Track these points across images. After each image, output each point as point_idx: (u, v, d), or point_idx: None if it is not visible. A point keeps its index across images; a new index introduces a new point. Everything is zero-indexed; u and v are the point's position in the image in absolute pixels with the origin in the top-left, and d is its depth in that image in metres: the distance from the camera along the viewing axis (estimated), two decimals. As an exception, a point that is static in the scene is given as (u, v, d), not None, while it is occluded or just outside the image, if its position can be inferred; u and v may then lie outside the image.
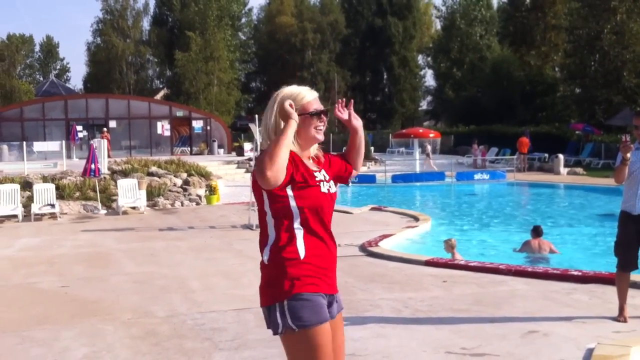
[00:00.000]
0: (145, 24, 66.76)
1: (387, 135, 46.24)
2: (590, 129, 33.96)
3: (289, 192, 2.90)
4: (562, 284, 7.84)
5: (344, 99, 3.27)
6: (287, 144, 2.80)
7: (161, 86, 67.08)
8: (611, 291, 6.71)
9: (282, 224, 2.92)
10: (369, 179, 26.74)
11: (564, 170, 28.05)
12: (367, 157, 35.34)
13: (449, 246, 10.19)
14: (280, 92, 3.05)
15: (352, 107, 3.22)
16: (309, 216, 2.92)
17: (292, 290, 2.84)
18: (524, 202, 22.07)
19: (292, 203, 2.91)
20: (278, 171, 2.73)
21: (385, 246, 10.91)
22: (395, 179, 26.35)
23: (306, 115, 2.99)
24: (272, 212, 2.94)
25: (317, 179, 2.97)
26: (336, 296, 3.07)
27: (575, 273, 8.20)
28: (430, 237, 13.39)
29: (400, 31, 62.64)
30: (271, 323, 2.90)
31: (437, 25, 70.05)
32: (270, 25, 63.77)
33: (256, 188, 2.94)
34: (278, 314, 2.85)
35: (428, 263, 9.39)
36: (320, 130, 3.05)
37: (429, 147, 33.37)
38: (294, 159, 2.90)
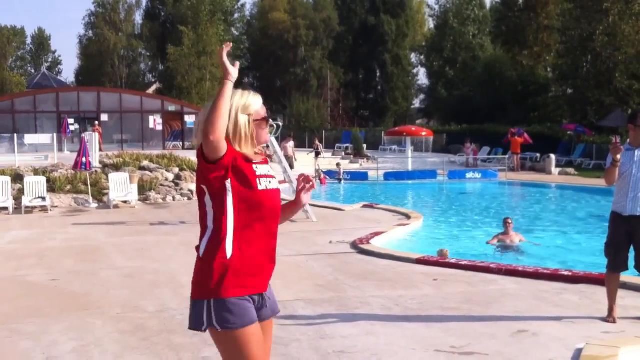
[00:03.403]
0: (138, 17, 66.79)
1: (380, 132, 46.29)
2: (582, 130, 34.05)
3: (228, 186, 2.91)
4: (552, 284, 7.87)
5: (309, 178, 3.30)
6: (226, 106, 2.82)
7: (153, 80, 67.00)
8: (601, 292, 6.74)
9: (220, 220, 2.93)
10: (361, 176, 26.79)
11: (555, 170, 28.15)
12: (360, 155, 35.36)
13: (442, 255, 10.20)
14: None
15: (309, 187, 3.27)
16: (246, 213, 2.94)
17: (219, 292, 2.86)
18: (515, 201, 22.12)
19: (229, 199, 2.92)
20: (220, 133, 2.78)
21: (376, 244, 10.91)
22: (388, 176, 26.38)
23: (262, 121, 3.07)
24: (213, 208, 2.96)
25: (257, 173, 2.99)
26: (267, 297, 3.08)
27: (566, 273, 8.23)
28: (422, 235, 13.39)
29: (394, 29, 62.66)
30: (195, 317, 2.93)
31: (430, 24, 70.15)
32: (263, 21, 63.74)
33: (200, 177, 2.96)
34: (205, 312, 2.89)
35: (419, 261, 9.40)
36: (267, 133, 3.11)
37: (320, 146, 32.39)
38: (235, 157, 2.91)
